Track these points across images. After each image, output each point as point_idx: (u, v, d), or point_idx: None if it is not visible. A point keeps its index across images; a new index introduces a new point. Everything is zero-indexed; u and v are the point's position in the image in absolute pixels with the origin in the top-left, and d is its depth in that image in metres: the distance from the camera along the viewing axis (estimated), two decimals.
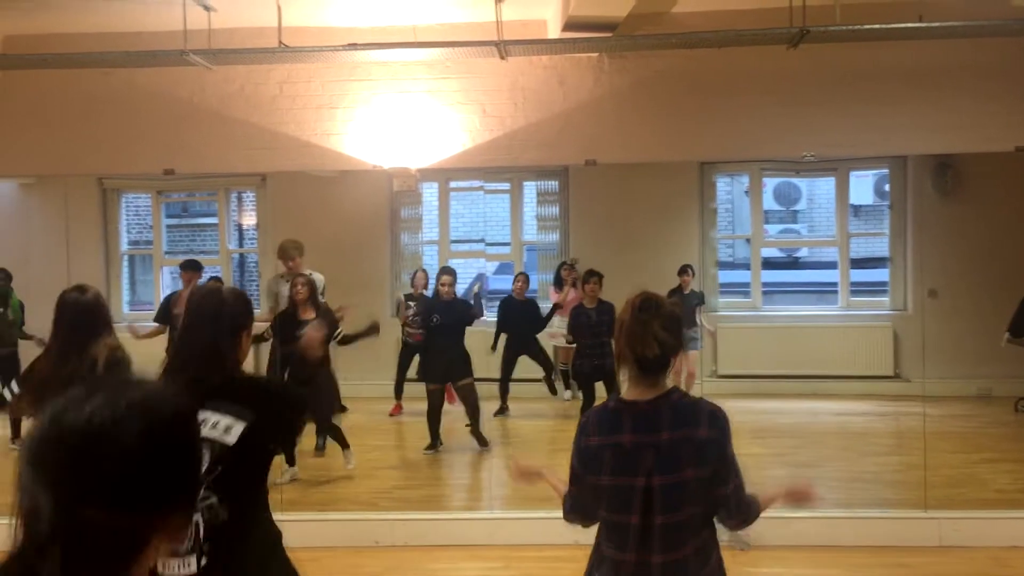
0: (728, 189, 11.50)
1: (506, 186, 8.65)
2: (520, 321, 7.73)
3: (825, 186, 11.26)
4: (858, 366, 8.33)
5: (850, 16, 5.40)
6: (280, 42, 5.82)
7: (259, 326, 4.35)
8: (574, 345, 7.16)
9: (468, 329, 7.12)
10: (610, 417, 2.44)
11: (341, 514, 5.82)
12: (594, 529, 2.58)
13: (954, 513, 5.47)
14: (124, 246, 8.65)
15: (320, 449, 6.93)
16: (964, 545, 5.27)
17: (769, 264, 10.48)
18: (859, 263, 9.56)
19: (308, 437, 6.66)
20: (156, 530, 1.03)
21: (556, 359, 8.09)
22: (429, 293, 7.57)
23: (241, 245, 9.34)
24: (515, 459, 4.34)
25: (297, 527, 3.64)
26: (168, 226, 9.49)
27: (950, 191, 7.98)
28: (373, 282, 8.34)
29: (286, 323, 6.03)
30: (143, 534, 1.02)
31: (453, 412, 7.33)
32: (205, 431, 2.40)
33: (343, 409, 7.40)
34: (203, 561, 2.41)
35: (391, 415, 7.98)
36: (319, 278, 6.60)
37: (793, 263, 12.29)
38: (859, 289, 9.06)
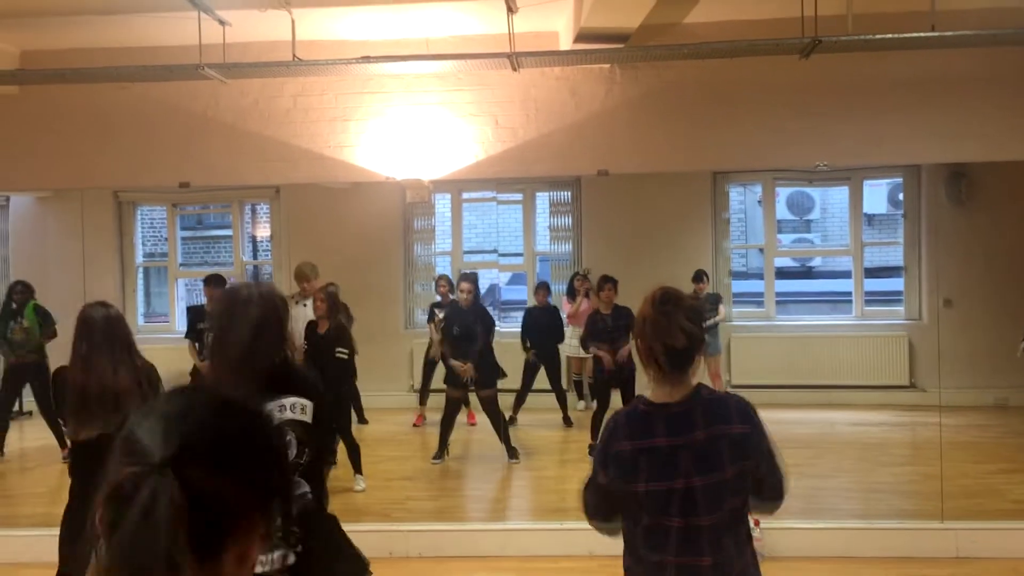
0: (741, 199, 11.48)
1: (519, 197, 8.68)
2: (543, 329, 7.76)
3: (838, 195, 11.22)
4: (873, 376, 8.28)
5: (862, 26, 5.39)
6: (294, 56, 5.87)
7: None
8: (589, 355, 7.17)
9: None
10: (641, 420, 2.38)
11: (355, 525, 5.77)
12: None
13: (971, 524, 5.43)
14: (139, 258, 8.72)
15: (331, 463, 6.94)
16: (981, 556, 5.23)
17: (783, 274, 10.45)
18: (873, 272, 9.52)
19: None
20: (254, 509, 1.00)
21: (569, 370, 8.10)
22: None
23: (255, 257, 9.40)
24: None
25: None
26: (183, 238, 9.57)
27: (964, 200, 7.94)
28: (386, 293, 8.37)
29: (306, 336, 6.14)
30: (243, 506, 0.99)
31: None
32: (285, 415, 2.43)
33: (364, 421, 7.44)
34: (299, 550, 2.42)
35: (415, 425, 7.99)
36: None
37: (807, 273, 12.25)
38: (873, 299, 9.02)
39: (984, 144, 6.24)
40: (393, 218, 8.31)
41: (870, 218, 10.68)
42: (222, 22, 5.74)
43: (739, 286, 9.41)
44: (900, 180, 9.20)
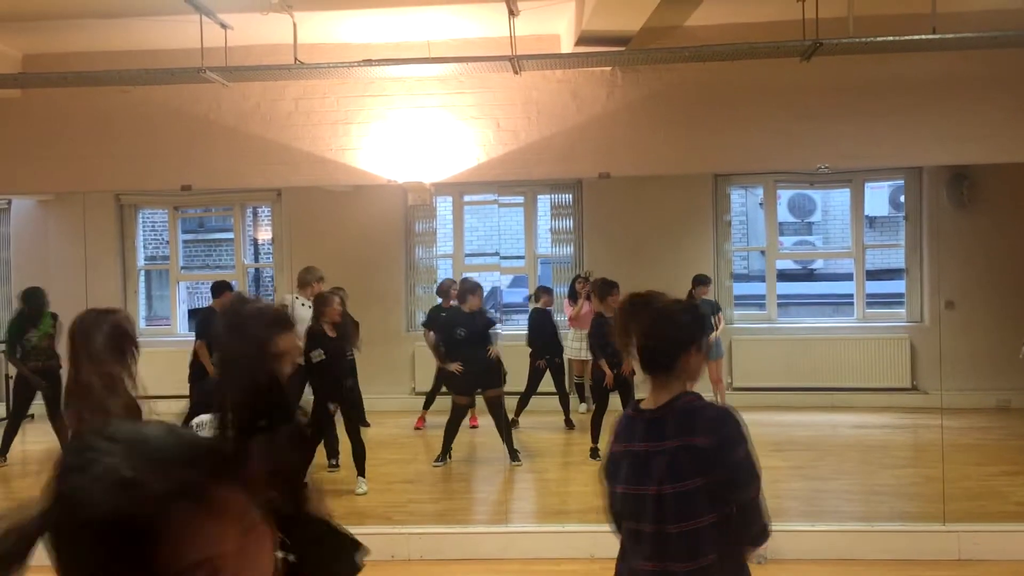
0: (742, 201, 11.46)
1: (520, 199, 8.67)
2: (549, 331, 7.80)
3: (840, 198, 11.21)
4: (875, 378, 8.28)
5: (863, 28, 5.39)
6: (296, 59, 5.88)
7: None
8: (590, 359, 7.17)
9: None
10: (627, 424, 2.44)
11: (356, 528, 5.75)
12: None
13: (973, 526, 5.42)
14: (141, 261, 8.72)
15: (334, 465, 6.94)
16: (983, 559, 5.22)
17: (784, 276, 10.44)
18: (875, 275, 9.51)
19: (319, 454, 6.67)
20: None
21: (571, 371, 8.10)
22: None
23: (257, 260, 9.40)
24: None
25: None
26: (184, 241, 9.57)
27: (966, 202, 7.94)
28: (388, 296, 8.37)
29: (313, 340, 6.16)
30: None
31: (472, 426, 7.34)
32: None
33: (366, 424, 7.44)
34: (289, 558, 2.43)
35: (416, 428, 7.99)
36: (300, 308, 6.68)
37: (808, 275, 12.23)
38: (875, 301, 9.01)
39: (985, 146, 6.24)
40: (395, 221, 8.31)
41: (871, 220, 10.67)
42: (224, 25, 5.75)
43: (740, 288, 9.40)
44: (901, 182, 9.20)
